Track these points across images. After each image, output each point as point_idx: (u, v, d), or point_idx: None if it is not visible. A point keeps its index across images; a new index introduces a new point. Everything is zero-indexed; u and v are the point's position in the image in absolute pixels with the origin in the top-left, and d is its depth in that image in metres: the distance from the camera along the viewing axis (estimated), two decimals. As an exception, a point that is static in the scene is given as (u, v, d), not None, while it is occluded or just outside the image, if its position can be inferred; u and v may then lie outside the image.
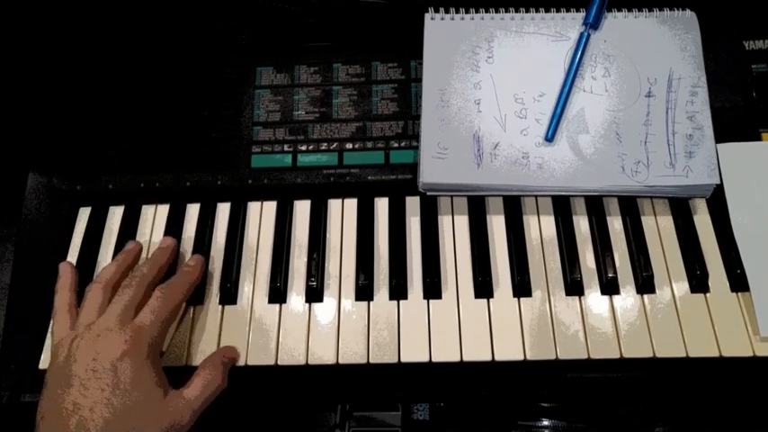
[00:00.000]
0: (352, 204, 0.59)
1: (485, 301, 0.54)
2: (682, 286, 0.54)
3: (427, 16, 0.59)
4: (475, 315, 0.53)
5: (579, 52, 0.57)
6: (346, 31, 0.63)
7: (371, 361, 0.52)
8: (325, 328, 0.53)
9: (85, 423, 0.42)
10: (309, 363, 0.52)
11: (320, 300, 0.55)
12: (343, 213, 0.58)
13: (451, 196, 0.58)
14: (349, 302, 0.54)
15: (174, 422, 0.45)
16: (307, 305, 0.54)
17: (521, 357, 0.51)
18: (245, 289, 0.55)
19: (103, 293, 0.50)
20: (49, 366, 0.47)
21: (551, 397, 0.75)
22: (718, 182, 0.54)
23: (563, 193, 0.55)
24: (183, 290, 0.52)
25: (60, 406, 0.43)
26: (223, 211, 0.59)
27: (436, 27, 0.59)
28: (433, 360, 0.51)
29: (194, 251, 0.57)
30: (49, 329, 0.54)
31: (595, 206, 0.57)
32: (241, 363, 0.52)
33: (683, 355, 0.51)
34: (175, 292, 0.51)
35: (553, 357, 0.51)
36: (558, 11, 0.60)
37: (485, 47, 0.58)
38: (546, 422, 0.78)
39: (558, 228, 0.56)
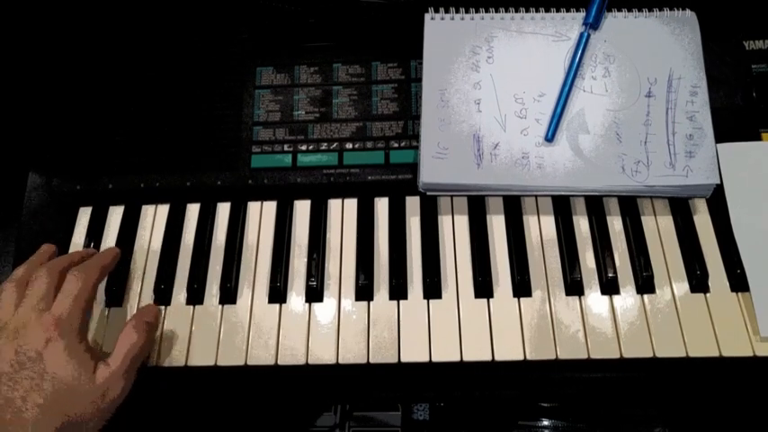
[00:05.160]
0: (352, 204, 0.59)
1: (485, 300, 0.54)
2: (682, 286, 0.54)
3: (427, 16, 0.59)
4: (475, 315, 0.53)
5: (579, 52, 0.57)
6: (346, 31, 0.63)
7: (371, 361, 0.52)
8: (324, 328, 0.53)
9: (20, 413, 0.43)
10: (309, 363, 0.52)
11: (320, 300, 0.55)
12: (343, 213, 0.58)
13: (451, 196, 0.58)
14: (349, 302, 0.54)
15: (106, 394, 0.46)
16: (307, 305, 0.54)
17: (521, 357, 0.51)
18: (244, 289, 0.55)
19: (17, 290, 0.49)
20: None
21: (551, 397, 0.75)
22: (718, 182, 0.54)
23: (563, 193, 0.55)
24: (95, 270, 0.51)
25: None
26: (223, 210, 0.59)
27: (436, 27, 0.59)
28: (433, 360, 0.51)
29: (194, 251, 0.57)
30: None
31: (595, 206, 0.57)
32: (241, 363, 0.52)
33: (683, 355, 0.51)
34: (88, 273, 0.50)
35: (553, 357, 0.51)
36: (558, 11, 0.60)
37: (485, 47, 0.58)
38: (546, 422, 0.79)
39: (558, 228, 0.56)
